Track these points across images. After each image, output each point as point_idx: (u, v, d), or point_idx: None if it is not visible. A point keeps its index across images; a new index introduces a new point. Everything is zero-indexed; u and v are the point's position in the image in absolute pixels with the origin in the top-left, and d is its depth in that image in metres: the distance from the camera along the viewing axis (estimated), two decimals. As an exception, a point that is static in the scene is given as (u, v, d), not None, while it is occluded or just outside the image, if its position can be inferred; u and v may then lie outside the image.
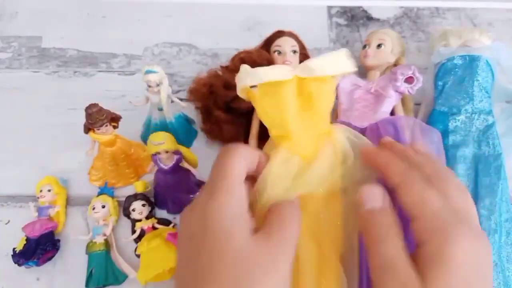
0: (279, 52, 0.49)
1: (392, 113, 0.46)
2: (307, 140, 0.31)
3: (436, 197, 0.25)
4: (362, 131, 0.44)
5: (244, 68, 0.30)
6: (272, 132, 0.31)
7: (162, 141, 0.42)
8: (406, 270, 0.22)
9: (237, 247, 0.23)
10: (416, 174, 0.26)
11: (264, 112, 0.31)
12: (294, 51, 0.49)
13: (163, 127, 0.47)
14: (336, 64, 0.31)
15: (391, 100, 0.45)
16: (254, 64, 0.41)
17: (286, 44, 0.49)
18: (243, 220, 0.24)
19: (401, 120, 0.44)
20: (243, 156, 0.27)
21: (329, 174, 0.30)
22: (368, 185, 0.27)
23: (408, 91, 0.45)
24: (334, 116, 0.49)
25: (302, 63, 0.30)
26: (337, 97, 0.48)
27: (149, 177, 0.48)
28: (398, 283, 0.22)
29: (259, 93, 0.30)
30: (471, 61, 0.47)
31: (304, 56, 0.51)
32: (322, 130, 0.31)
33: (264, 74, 0.29)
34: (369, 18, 0.60)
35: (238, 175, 0.26)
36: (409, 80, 0.45)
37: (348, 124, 0.45)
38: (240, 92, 0.32)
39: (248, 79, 0.30)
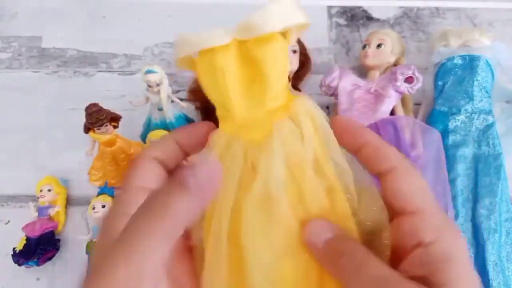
0: None
1: (392, 113, 0.46)
2: (258, 120, 0.23)
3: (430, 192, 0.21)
4: None
5: (181, 35, 0.23)
6: (217, 112, 0.25)
7: (161, 139, 0.42)
8: (403, 283, 0.19)
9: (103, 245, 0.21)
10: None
11: (206, 88, 0.24)
12: (294, 51, 0.49)
13: (163, 127, 0.47)
14: (283, 15, 0.23)
15: (391, 100, 0.45)
16: None
17: None
18: (114, 224, 0.21)
19: (401, 120, 0.44)
20: (156, 154, 0.23)
21: (295, 159, 0.22)
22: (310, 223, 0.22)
23: (408, 91, 0.45)
24: (334, 115, 0.49)
25: (240, 21, 0.23)
26: (336, 97, 0.48)
27: (149, 177, 0.48)
28: None
29: (199, 65, 0.24)
30: (471, 61, 0.47)
31: (304, 56, 0.51)
32: (278, 104, 0.24)
33: (197, 41, 0.23)
34: (369, 18, 0.60)
35: (136, 187, 0.23)
36: (409, 80, 0.45)
37: None
38: (180, 64, 0.25)
39: (182, 48, 0.23)
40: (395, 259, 0.20)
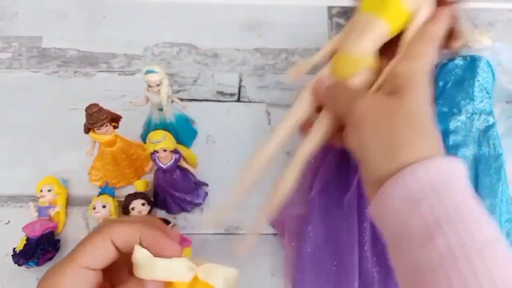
0: None
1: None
2: None
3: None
4: None
5: (141, 254, 0.26)
6: None
7: (160, 140, 0.42)
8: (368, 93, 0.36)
9: None
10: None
11: None
12: None
13: (164, 127, 0.47)
14: (229, 283, 0.29)
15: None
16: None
17: None
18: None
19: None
20: (114, 242, 0.27)
21: None
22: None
23: None
24: None
25: (206, 266, 0.28)
26: None
27: (150, 177, 0.48)
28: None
29: None
30: (472, 62, 0.47)
31: None
32: None
33: (162, 272, 0.26)
34: (370, 18, 0.60)
35: (84, 265, 0.27)
36: None
37: None
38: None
39: (143, 270, 0.26)
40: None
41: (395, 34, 0.37)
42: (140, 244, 0.27)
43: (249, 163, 0.37)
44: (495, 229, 0.27)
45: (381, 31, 0.37)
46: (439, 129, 0.45)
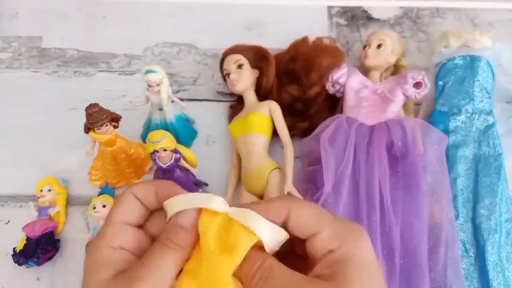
0: (228, 75, 0.50)
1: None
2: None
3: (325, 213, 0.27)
4: (371, 129, 0.45)
5: (176, 198, 0.28)
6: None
7: (160, 139, 0.42)
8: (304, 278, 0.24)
9: (96, 284, 0.26)
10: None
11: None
12: (240, 65, 0.50)
13: (164, 127, 0.47)
14: (276, 235, 0.27)
15: (398, 102, 0.46)
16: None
17: (229, 64, 0.50)
18: (106, 262, 0.28)
19: (409, 121, 0.44)
20: (138, 193, 0.29)
21: None
22: None
23: (415, 96, 0.46)
24: (339, 110, 0.49)
25: (242, 208, 0.27)
26: (343, 94, 0.48)
27: (150, 177, 0.48)
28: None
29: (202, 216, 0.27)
30: (472, 61, 0.47)
31: (261, 60, 0.51)
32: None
33: (193, 201, 0.27)
34: (369, 18, 0.60)
35: (119, 220, 0.29)
36: (417, 85, 0.45)
37: (355, 120, 0.45)
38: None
39: (175, 206, 0.28)
40: (311, 267, 0.26)
41: (270, 135, 0.47)
42: (156, 195, 0.29)
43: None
44: None
45: (261, 140, 0.46)
46: (439, 128, 0.45)
